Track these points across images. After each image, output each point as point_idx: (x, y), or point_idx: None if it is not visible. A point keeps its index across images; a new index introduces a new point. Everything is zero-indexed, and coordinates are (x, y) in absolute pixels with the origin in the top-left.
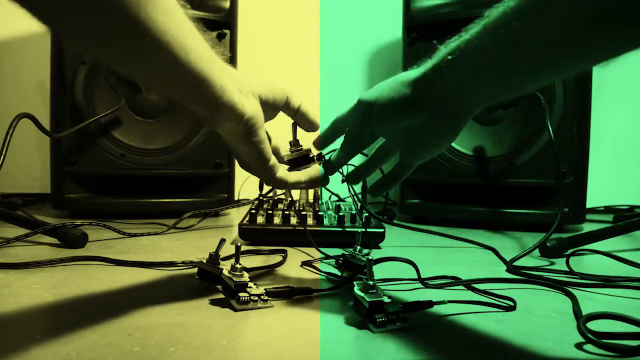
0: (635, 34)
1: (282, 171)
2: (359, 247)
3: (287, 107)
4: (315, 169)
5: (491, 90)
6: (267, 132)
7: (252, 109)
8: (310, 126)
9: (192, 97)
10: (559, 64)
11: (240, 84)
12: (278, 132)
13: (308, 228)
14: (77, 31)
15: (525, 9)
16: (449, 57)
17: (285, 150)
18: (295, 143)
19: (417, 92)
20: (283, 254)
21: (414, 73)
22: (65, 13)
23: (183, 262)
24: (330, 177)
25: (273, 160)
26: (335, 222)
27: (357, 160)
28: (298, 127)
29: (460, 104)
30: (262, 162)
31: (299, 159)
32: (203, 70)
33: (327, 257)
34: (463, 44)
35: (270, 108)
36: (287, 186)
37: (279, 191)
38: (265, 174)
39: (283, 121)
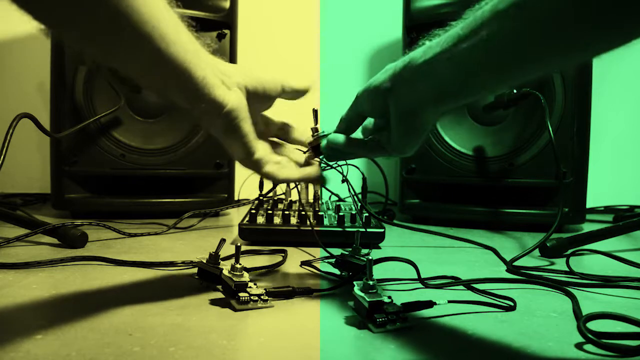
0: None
1: (271, 166)
2: (359, 247)
3: (287, 94)
4: (313, 168)
5: (447, 97)
6: (271, 120)
7: (234, 101)
8: (304, 91)
9: (173, 89)
10: (529, 67)
11: (225, 76)
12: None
13: (309, 228)
14: (59, 23)
15: (501, 10)
16: (419, 59)
17: (307, 137)
18: (316, 129)
19: (377, 101)
20: (283, 254)
21: (378, 79)
22: (47, 4)
23: (183, 262)
24: (328, 174)
25: (259, 154)
26: (335, 222)
27: (357, 161)
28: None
29: (415, 110)
30: (246, 154)
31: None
32: (184, 62)
33: (329, 256)
34: (433, 54)
35: (261, 98)
36: (278, 181)
37: (279, 191)
38: (251, 167)
39: (280, 107)
